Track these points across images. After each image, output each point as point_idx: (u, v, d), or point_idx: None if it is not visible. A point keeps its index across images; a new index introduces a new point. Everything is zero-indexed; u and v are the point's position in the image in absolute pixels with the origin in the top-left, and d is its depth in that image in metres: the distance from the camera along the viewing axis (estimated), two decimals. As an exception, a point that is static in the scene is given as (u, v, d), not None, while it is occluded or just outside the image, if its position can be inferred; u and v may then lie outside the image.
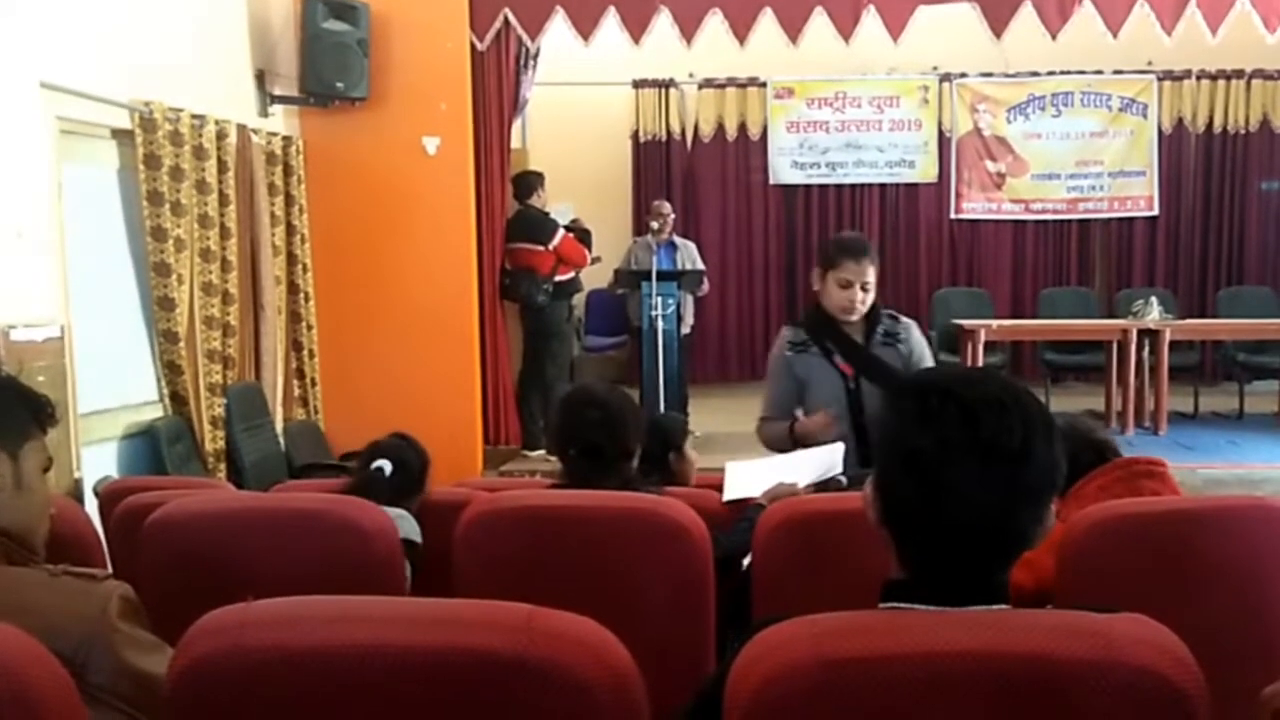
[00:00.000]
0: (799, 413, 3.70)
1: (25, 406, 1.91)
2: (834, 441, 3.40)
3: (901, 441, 1.44)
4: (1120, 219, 9.97)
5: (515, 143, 7.93)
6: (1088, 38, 7.05)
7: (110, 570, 2.40)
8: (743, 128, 10.02)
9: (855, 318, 3.69)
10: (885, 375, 3.58)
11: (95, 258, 5.06)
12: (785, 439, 3.64)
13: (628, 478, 2.89)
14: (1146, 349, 7.81)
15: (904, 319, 3.80)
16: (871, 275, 3.66)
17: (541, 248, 7.28)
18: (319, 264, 6.67)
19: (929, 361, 3.80)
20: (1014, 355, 9.19)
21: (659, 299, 7.26)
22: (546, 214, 7.47)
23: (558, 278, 7.33)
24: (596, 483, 2.78)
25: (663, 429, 3.58)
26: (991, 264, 10.03)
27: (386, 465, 3.02)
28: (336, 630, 1.40)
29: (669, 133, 10.08)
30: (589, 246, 7.73)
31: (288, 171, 6.42)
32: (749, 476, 3.17)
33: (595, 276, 8.23)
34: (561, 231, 7.40)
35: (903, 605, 1.42)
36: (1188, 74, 9.73)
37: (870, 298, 3.68)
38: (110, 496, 3.31)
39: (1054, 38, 6.87)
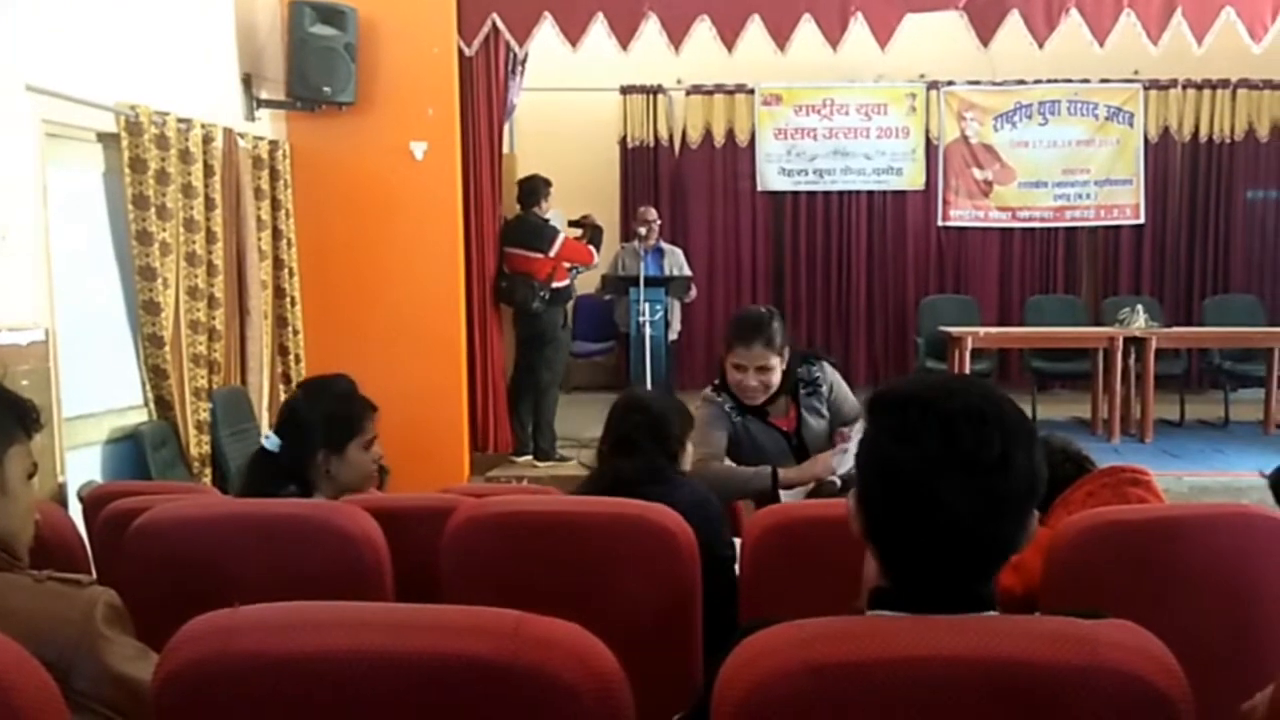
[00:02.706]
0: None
1: (9, 411, 1.90)
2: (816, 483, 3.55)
3: (882, 455, 1.44)
4: (1107, 227, 10.01)
5: (504, 148, 7.93)
6: (1074, 47, 7.09)
7: (95, 576, 2.39)
8: (730, 134, 10.04)
9: (757, 401, 3.64)
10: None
11: (80, 261, 5.05)
12: (762, 481, 3.53)
13: (657, 464, 2.90)
14: (1133, 357, 7.83)
15: (816, 361, 3.79)
16: (769, 360, 3.57)
17: (540, 255, 7.25)
18: (305, 268, 6.65)
19: (846, 391, 3.79)
20: (1001, 362, 9.22)
21: (646, 305, 7.26)
22: (546, 221, 7.44)
23: (554, 284, 7.31)
24: (624, 468, 2.85)
25: None
26: (979, 271, 10.06)
27: (269, 441, 2.84)
28: (322, 636, 1.39)
29: (657, 139, 10.10)
30: (599, 244, 7.69)
31: (274, 176, 6.41)
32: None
33: (583, 282, 8.23)
34: (562, 238, 7.36)
35: (889, 613, 1.42)
36: (1174, 83, 9.77)
37: (773, 379, 3.61)
38: (95, 501, 3.29)
39: (1041, 46, 6.90)
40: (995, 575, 1.45)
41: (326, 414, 2.88)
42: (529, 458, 7.34)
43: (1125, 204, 9.93)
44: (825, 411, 3.73)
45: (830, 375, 3.77)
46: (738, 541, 2.77)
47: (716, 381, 3.75)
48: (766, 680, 1.32)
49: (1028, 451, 1.41)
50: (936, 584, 1.41)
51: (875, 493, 1.45)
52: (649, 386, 7.06)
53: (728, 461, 3.64)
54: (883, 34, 6.85)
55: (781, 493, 3.51)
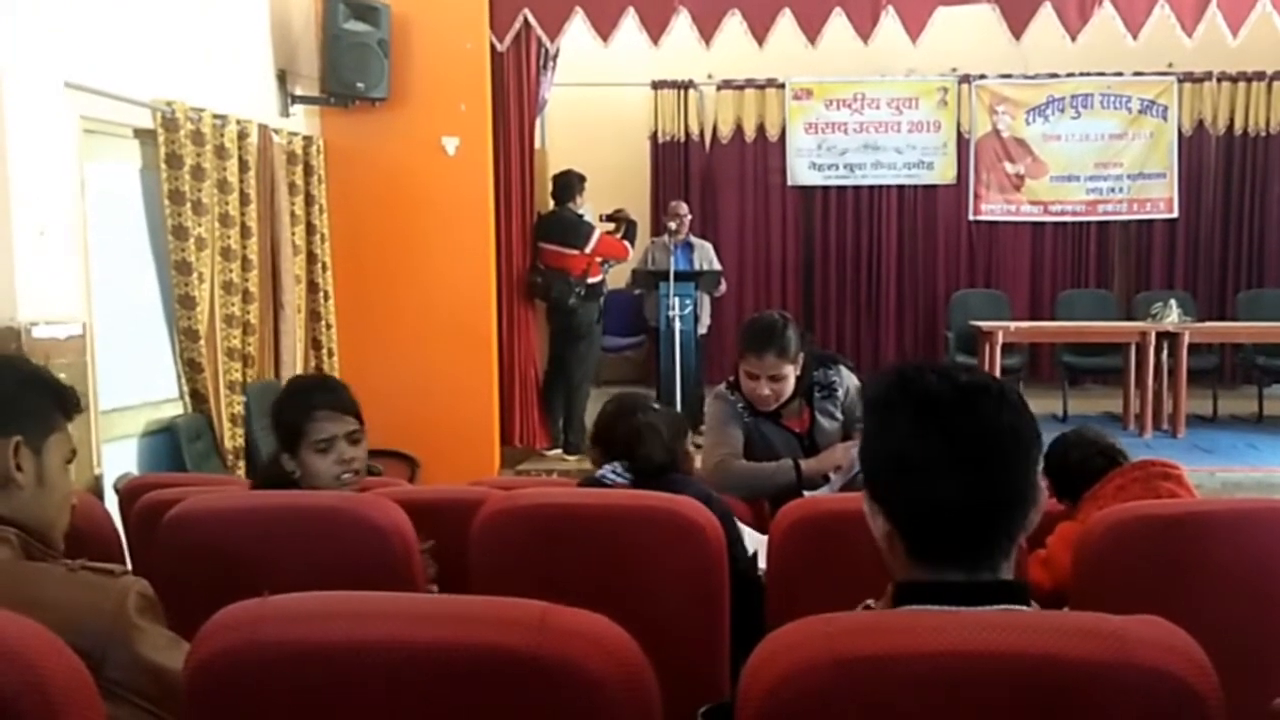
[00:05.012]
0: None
1: (49, 397, 1.91)
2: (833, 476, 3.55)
3: (875, 429, 1.50)
4: (1139, 221, 9.93)
5: (535, 143, 7.94)
6: (1107, 39, 7.03)
7: (129, 566, 2.41)
8: (761, 129, 10.02)
9: (769, 409, 3.63)
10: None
11: (117, 256, 5.10)
12: (786, 474, 3.55)
13: (657, 461, 2.88)
14: (1165, 351, 7.77)
15: (834, 364, 3.77)
16: (782, 369, 3.55)
17: (576, 251, 7.25)
18: (338, 263, 6.69)
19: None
20: (1032, 357, 9.17)
21: (676, 299, 7.26)
22: (581, 216, 7.44)
23: (589, 279, 7.32)
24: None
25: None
26: (1010, 266, 10.00)
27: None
28: (351, 626, 1.40)
29: (687, 133, 10.09)
30: (633, 239, 7.71)
31: (308, 171, 6.45)
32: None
33: (613, 276, 8.24)
34: (598, 234, 7.37)
35: (917, 607, 1.42)
36: (1208, 76, 9.68)
37: (786, 387, 3.59)
38: (130, 493, 3.33)
39: (1073, 39, 6.85)
40: (1014, 536, 1.45)
41: (275, 415, 2.81)
42: (559, 451, 7.37)
43: (1158, 198, 9.85)
44: (839, 415, 3.71)
45: (847, 379, 3.75)
46: (762, 540, 2.77)
47: (732, 379, 3.74)
48: (792, 673, 1.32)
49: (1015, 403, 1.43)
50: (959, 552, 1.42)
51: (878, 467, 1.49)
52: (678, 381, 7.07)
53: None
54: (914, 27, 6.81)
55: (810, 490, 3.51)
